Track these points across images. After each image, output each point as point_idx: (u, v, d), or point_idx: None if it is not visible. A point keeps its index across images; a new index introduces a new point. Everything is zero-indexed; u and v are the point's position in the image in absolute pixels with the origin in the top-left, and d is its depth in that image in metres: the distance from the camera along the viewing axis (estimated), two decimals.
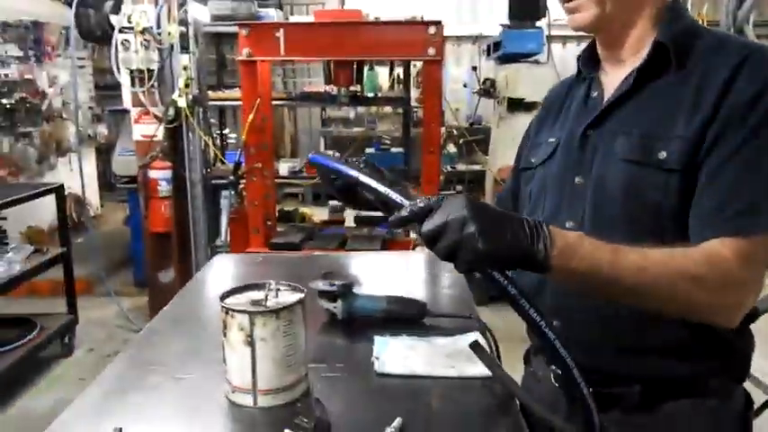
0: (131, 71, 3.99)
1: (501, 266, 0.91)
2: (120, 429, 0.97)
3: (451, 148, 7.31)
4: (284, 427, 0.98)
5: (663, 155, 1.03)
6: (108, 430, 0.97)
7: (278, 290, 1.15)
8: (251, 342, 1.07)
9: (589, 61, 1.25)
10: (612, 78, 1.18)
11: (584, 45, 1.32)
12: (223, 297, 1.13)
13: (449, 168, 5.99)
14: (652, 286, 0.96)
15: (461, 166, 6.93)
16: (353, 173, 1.09)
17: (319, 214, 5.49)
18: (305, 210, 5.12)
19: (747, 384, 1.20)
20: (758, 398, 1.75)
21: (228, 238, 3.69)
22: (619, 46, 1.17)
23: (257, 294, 1.15)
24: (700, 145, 1.01)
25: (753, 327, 1.16)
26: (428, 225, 0.88)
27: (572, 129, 1.20)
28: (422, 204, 0.91)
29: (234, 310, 1.08)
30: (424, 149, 3.40)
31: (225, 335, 1.10)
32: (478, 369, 1.21)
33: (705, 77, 1.04)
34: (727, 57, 1.03)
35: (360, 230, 4.15)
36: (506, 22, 5.12)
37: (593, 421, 0.95)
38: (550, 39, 5.34)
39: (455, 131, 6.66)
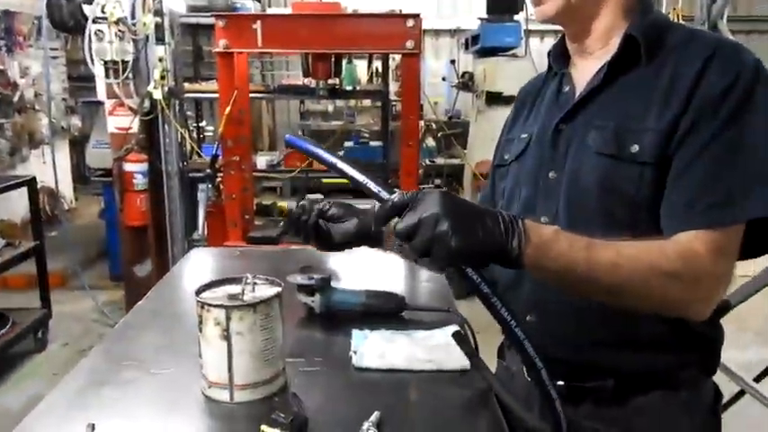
0: (105, 62, 3.92)
1: (475, 263, 0.89)
2: (93, 425, 0.95)
3: (430, 142, 7.31)
4: (261, 422, 0.97)
5: (635, 148, 1.04)
6: (81, 426, 0.95)
7: (255, 284, 1.14)
8: (227, 336, 1.06)
9: (560, 57, 1.25)
10: (583, 72, 1.18)
11: None
12: (199, 291, 1.12)
13: (427, 162, 6.00)
14: (626, 283, 0.96)
15: (440, 160, 6.94)
16: (332, 159, 1.05)
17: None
18: (283, 203, 5.10)
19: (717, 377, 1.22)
20: (728, 391, 1.77)
21: (206, 232, 3.66)
22: (586, 37, 1.17)
23: (234, 288, 1.14)
24: (671, 137, 1.02)
25: (726, 319, 1.18)
26: (402, 223, 0.86)
27: (544, 124, 1.20)
28: (397, 200, 0.89)
29: (210, 305, 1.06)
30: (402, 143, 3.40)
31: (201, 330, 1.09)
32: (457, 362, 1.21)
33: (676, 71, 1.05)
34: (698, 50, 1.04)
35: None
36: (485, 15, 5.12)
37: (561, 423, 0.96)
38: (528, 33, 5.36)
39: (434, 125, 6.66)
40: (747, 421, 2.61)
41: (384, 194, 0.94)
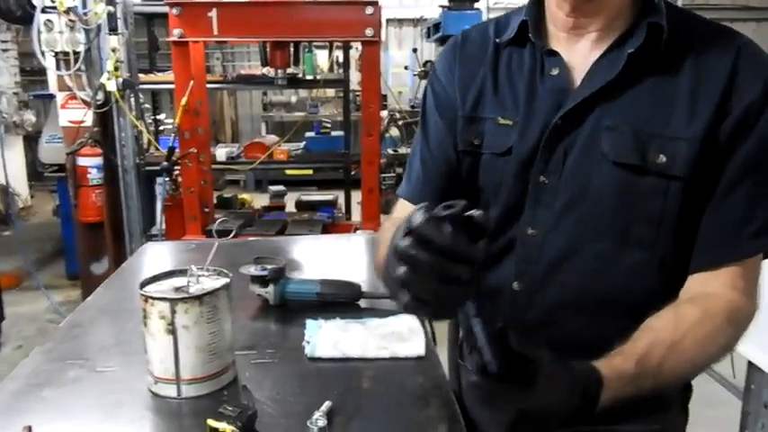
0: (56, 53, 3.78)
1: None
2: (30, 428, 0.91)
3: (394, 132, 7.29)
4: (208, 417, 0.95)
5: (662, 159, 0.91)
6: (16, 430, 0.91)
7: (200, 276, 1.10)
8: (173, 330, 1.03)
9: (534, 27, 1.03)
10: (575, 55, 1.00)
11: None
12: (143, 284, 1.08)
13: (390, 152, 5.97)
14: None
15: (404, 149, 6.92)
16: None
17: (260, 200, 5.40)
18: (245, 196, 5.03)
19: None
20: None
21: (164, 227, 3.58)
22: (594, 13, 0.97)
23: (180, 281, 1.10)
24: (708, 149, 0.89)
25: None
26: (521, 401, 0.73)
27: (532, 113, 1.00)
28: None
29: (153, 298, 1.03)
30: (363, 132, 3.37)
31: (145, 324, 1.05)
32: (412, 350, 1.20)
33: (700, 69, 0.92)
34: (722, 46, 0.93)
35: (300, 216, 4.10)
36: (446, 3, 5.11)
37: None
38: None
39: (398, 115, 6.64)
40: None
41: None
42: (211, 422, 0.94)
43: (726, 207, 0.91)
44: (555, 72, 1.01)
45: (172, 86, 3.50)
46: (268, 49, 3.62)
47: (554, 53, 1.01)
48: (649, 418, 1.03)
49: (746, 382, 1.91)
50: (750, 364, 1.88)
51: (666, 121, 0.91)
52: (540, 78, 1.02)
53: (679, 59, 0.94)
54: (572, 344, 0.87)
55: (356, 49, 5.30)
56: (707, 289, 0.92)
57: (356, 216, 4.21)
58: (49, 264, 5.40)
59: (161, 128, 5.26)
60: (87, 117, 3.86)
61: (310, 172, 6.98)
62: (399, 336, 1.24)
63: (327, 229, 3.69)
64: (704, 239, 0.93)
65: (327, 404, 1.01)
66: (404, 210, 1.10)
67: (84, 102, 3.87)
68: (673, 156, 0.90)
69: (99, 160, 3.93)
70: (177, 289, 1.07)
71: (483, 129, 1.06)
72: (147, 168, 3.89)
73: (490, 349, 0.71)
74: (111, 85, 3.66)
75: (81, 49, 3.77)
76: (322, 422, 0.90)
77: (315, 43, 4.09)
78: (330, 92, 8.10)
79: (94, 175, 3.91)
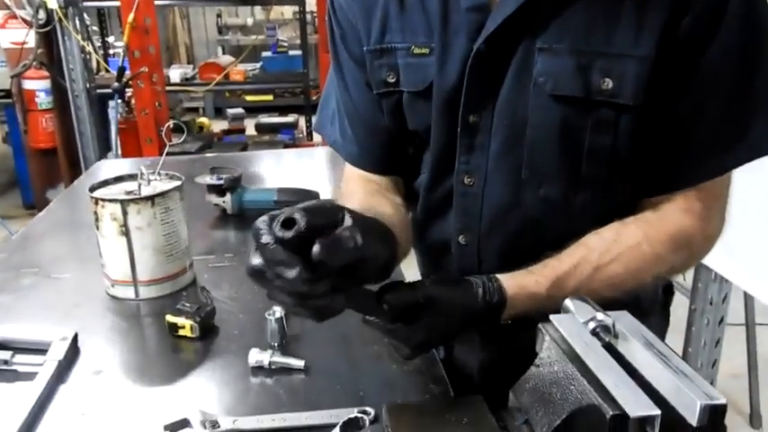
0: None
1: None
2: None
3: None
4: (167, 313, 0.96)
5: (608, 83, 0.76)
6: None
7: (151, 179, 1.09)
8: (126, 232, 1.02)
9: None
10: None
11: None
12: (93, 188, 1.06)
13: None
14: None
15: None
16: None
17: (220, 126, 5.29)
18: (203, 120, 4.91)
19: None
20: None
21: (120, 151, 3.49)
22: None
23: (131, 185, 1.09)
24: (660, 71, 0.75)
25: None
26: (413, 340, 0.74)
27: (450, 39, 0.83)
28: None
29: (104, 200, 1.02)
30: (321, 50, 3.29)
31: (98, 227, 1.04)
32: None
33: None
34: None
35: (261, 138, 4.05)
36: None
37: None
38: None
39: None
40: None
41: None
42: (170, 317, 0.95)
43: (680, 129, 0.79)
44: None
45: (118, 4, 3.33)
46: None
47: None
48: None
49: (693, 281, 1.99)
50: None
51: (609, 38, 0.76)
52: None
53: None
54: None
55: None
56: (658, 211, 0.83)
57: (318, 138, 4.16)
58: (4, 194, 5.25)
59: (111, 51, 5.04)
60: (30, 38, 3.67)
61: (270, 98, 6.82)
62: None
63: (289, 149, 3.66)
64: (657, 165, 0.82)
65: None
66: (353, 177, 0.98)
67: (25, 21, 3.67)
68: (620, 78, 0.76)
69: (47, 83, 3.77)
70: (129, 192, 1.06)
71: (395, 61, 0.88)
72: (99, 91, 3.75)
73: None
74: (53, 2, 3.46)
75: None
76: (279, 313, 0.91)
77: None
78: (288, 14, 7.81)
79: (43, 99, 3.76)
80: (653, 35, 0.74)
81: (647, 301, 0.97)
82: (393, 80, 0.88)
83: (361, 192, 0.94)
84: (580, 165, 0.81)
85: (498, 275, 0.77)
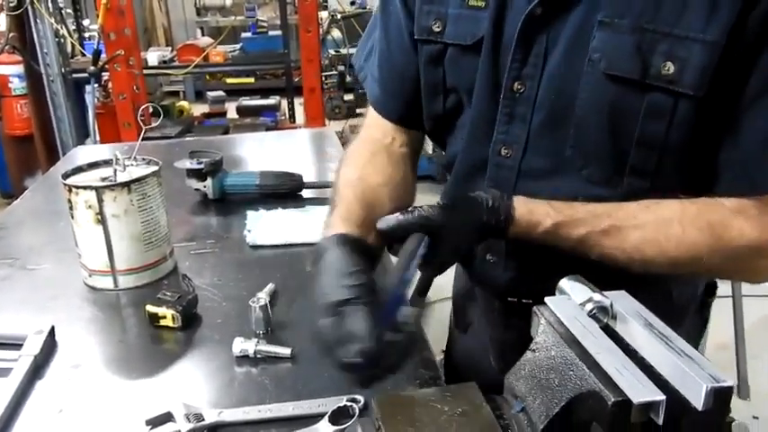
0: None
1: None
2: None
3: (336, 34, 7.04)
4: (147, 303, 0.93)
5: (669, 67, 0.69)
6: None
7: (127, 165, 1.05)
8: (102, 220, 0.98)
9: None
10: None
11: None
12: (66, 176, 1.02)
13: (333, 52, 5.79)
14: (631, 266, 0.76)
15: (345, 51, 6.73)
16: None
17: (200, 110, 5.20)
18: (183, 103, 4.82)
19: None
20: None
21: (98, 136, 3.42)
22: None
23: (107, 172, 1.05)
24: (727, 59, 0.68)
25: None
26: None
27: (502, 1, 0.79)
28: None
29: (77, 187, 0.98)
30: (301, 27, 3.22)
31: (72, 216, 1.00)
32: None
33: None
34: None
35: (242, 121, 3.99)
36: None
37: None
38: None
39: (338, 15, 6.39)
40: None
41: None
42: (150, 307, 0.92)
43: (743, 130, 0.71)
44: None
45: None
46: None
47: None
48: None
49: None
50: None
51: (679, 17, 0.68)
52: None
53: None
54: (561, 267, 0.76)
55: None
56: (709, 201, 0.75)
57: (300, 120, 4.11)
58: None
59: (86, 34, 4.92)
60: (0, 21, 3.56)
61: (252, 80, 6.71)
62: None
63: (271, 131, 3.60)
64: (716, 168, 0.74)
65: (270, 286, 1.00)
66: (373, 122, 0.96)
67: None
68: (683, 63, 0.69)
69: (20, 68, 3.67)
70: (104, 179, 1.02)
71: (445, 11, 0.84)
72: (75, 76, 3.65)
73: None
74: None
75: None
76: (264, 300, 0.88)
77: None
78: None
79: (17, 85, 3.67)
80: (725, 21, 0.67)
81: (682, 299, 0.92)
82: (438, 29, 0.84)
83: (364, 154, 0.92)
84: (629, 151, 0.75)
85: (515, 196, 0.75)
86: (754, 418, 2.23)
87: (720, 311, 2.24)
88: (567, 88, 0.75)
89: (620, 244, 0.74)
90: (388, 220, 0.73)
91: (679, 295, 0.90)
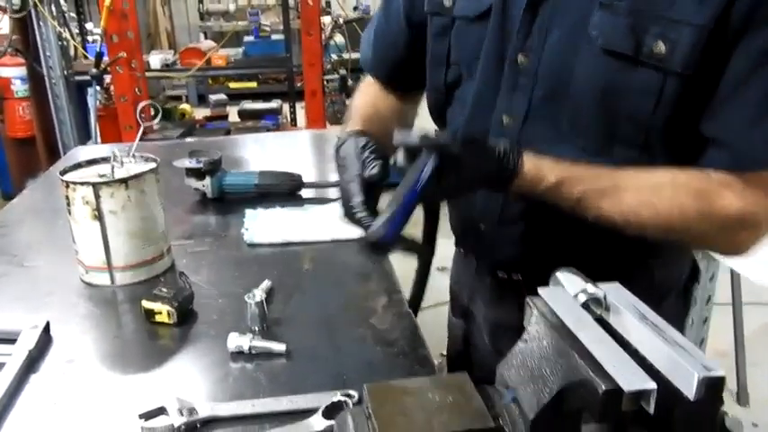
0: None
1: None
2: None
3: (339, 39, 7.06)
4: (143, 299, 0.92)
5: (661, 47, 0.74)
6: None
7: (125, 162, 1.05)
8: (99, 216, 0.98)
9: None
10: None
11: None
12: (63, 172, 1.02)
13: (335, 57, 5.80)
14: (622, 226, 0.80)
15: (347, 55, 6.74)
16: None
17: (202, 114, 5.21)
18: (185, 106, 4.82)
19: None
20: None
21: (100, 139, 3.42)
22: None
23: (104, 168, 1.05)
24: (714, 41, 0.72)
25: None
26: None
27: None
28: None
29: (75, 183, 0.98)
30: (303, 31, 3.24)
31: (69, 212, 1.00)
32: (353, 231, 1.19)
33: None
34: None
35: (244, 124, 3.99)
36: None
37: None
38: None
39: (341, 20, 6.41)
40: None
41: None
42: (146, 303, 0.92)
43: (727, 109, 0.75)
44: None
45: None
46: None
47: None
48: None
49: None
50: None
51: (671, 1, 0.73)
52: None
53: None
54: (559, 235, 0.85)
55: None
56: (699, 171, 0.79)
57: (301, 123, 4.12)
58: None
59: (89, 37, 4.94)
60: (4, 24, 3.58)
61: (254, 85, 6.73)
62: (341, 220, 1.22)
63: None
64: (701, 145, 0.78)
65: (266, 283, 1.00)
66: (365, 83, 1.11)
67: None
68: (674, 44, 0.73)
69: (22, 71, 3.68)
70: (102, 175, 1.02)
71: None
72: (77, 78, 3.66)
73: None
74: None
75: None
76: (259, 296, 0.88)
77: None
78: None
79: (19, 87, 3.67)
80: (713, 7, 0.71)
81: (664, 282, 0.95)
82: (449, 4, 0.90)
83: (375, 88, 1.07)
84: (616, 126, 0.79)
85: (525, 151, 0.79)
86: (754, 425, 2.22)
87: (720, 319, 2.24)
88: (566, 63, 0.80)
89: (617, 204, 0.78)
90: (407, 133, 0.75)
91: (661, 278, 0.94)
